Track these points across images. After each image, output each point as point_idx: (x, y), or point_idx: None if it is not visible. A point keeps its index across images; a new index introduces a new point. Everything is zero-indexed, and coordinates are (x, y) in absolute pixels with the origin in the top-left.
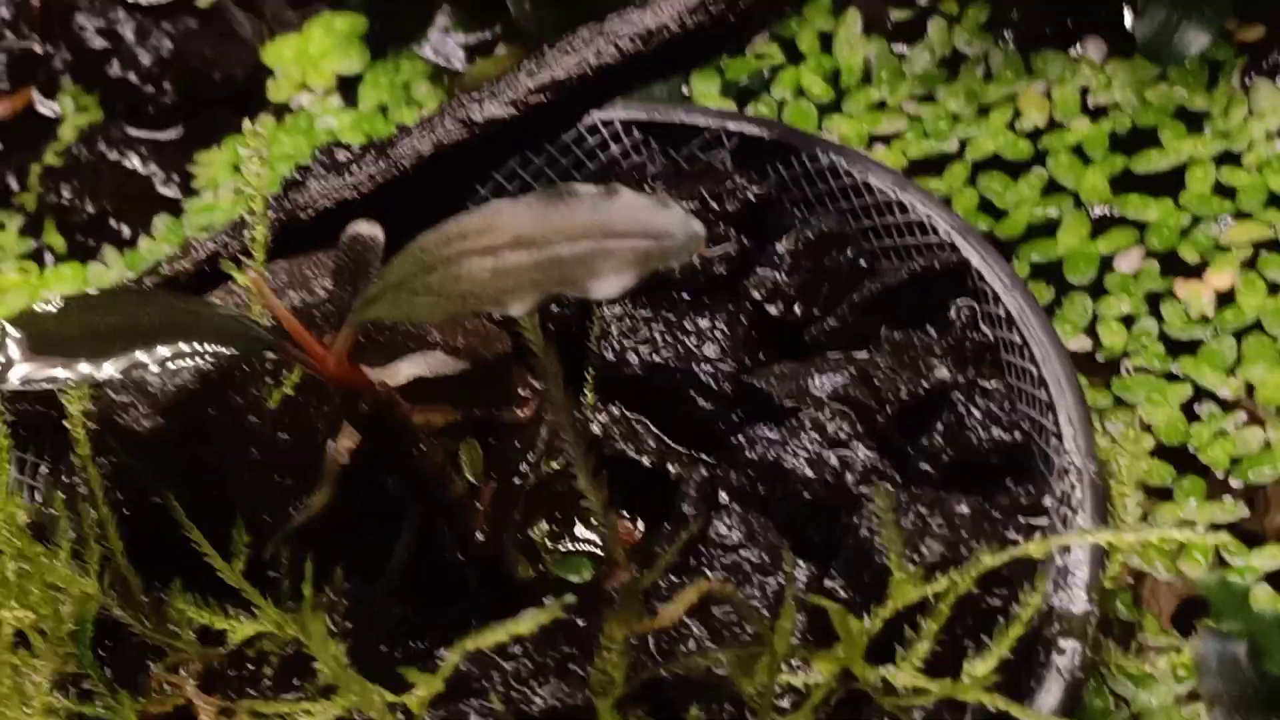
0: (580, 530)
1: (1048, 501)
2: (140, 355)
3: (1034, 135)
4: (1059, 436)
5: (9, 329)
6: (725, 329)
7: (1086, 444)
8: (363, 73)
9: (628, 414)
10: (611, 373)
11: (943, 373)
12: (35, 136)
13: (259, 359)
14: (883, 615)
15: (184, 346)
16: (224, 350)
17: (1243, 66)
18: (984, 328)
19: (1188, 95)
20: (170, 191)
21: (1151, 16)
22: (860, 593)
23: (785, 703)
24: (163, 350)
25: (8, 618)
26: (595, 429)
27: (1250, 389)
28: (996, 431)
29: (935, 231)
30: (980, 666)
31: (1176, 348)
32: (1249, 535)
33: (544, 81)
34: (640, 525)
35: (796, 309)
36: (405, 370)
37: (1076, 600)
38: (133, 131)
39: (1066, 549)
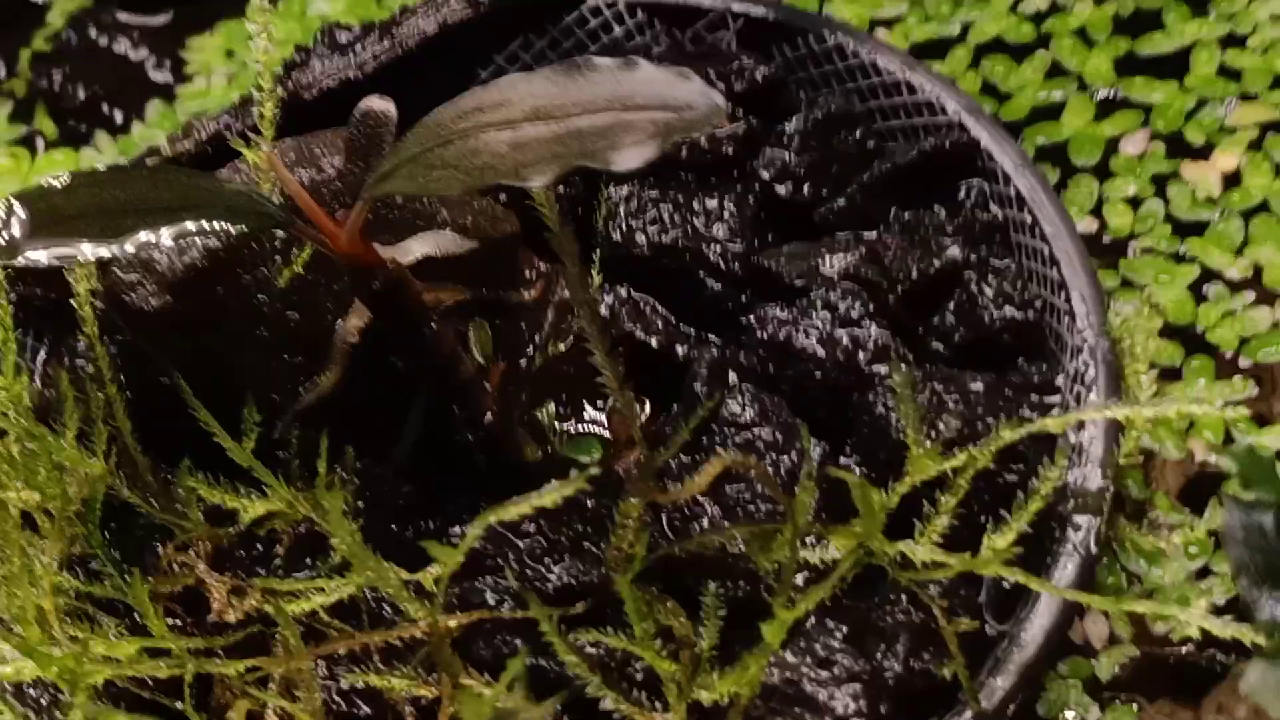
0: (588, 413)
1: (1060, 380)
2: (149, 234)
3: (1037, 19)
4: (1071, 315)
5: (15, 205)
6: (734, 209)
7: (1099, 321)
8: None
9: (635, 295)
10: (619, 253)
11: (954, 251)
12: (23, 22)
13: (268, 237)
14: (900, 490)
15: (192, 225)
16: (233, 228)
17: None
18: (994, 207)
19: None
20: (162, 77)
21: None
22: (875, 471)
23: (800, 579)
24: (174, 228)
25: (13, 499)
26: (603, 310)
27: (1258, 270)
28: (1009, 310)
29: (944, 111)
30: (999, 540)
31: (1184, 229)
32: (1258, 416)
33: None
34: (647, 408)
35: (805, 189)
36: (415, 248)
37: (1091, 476)
38: (123, 17)
39: (1081, 425)
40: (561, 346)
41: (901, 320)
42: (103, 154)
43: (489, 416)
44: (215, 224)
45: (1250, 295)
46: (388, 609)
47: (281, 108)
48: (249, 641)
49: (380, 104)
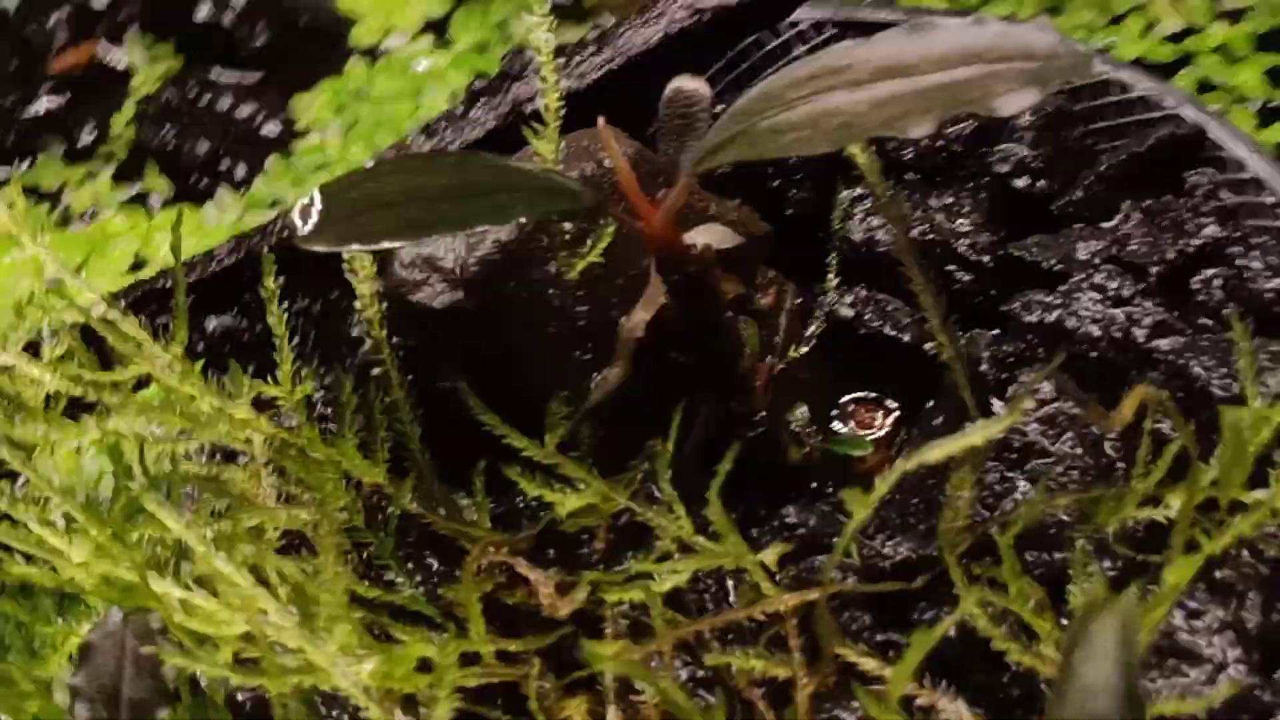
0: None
1: None
2: (465, 222)
3: (1174, 39)
4: None
5: (316, 198)
6: (971, 203)
7: None
8: (449, 15)
9: (878, 294)
10: (859, 254)
11: (1213, 229)
12: (105, 87)
13: (559, 230)
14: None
15: (516, 209)
16: (525, 219)
17: None
18: (1226, 194)
19: None
20: (272, 130)
21: None
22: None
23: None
24: (494, 212)
25: (290, 517)
26: (846, 311)
27: None
28: (1278, 282)
29: (1160, 106)
30: None
31: None
32: None
33: None
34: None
35: (1042, 183)
36: (700, 239)
37: None
38: (219, 76)
39: None
40: (796, 354)
41: (1173, 296)
42: (226, 210)
43: (761, 415)
44: (533, 206)
45: None
46: (709, 598)
47: (505, 119)
48: (566, 644)
49: (692, 83)
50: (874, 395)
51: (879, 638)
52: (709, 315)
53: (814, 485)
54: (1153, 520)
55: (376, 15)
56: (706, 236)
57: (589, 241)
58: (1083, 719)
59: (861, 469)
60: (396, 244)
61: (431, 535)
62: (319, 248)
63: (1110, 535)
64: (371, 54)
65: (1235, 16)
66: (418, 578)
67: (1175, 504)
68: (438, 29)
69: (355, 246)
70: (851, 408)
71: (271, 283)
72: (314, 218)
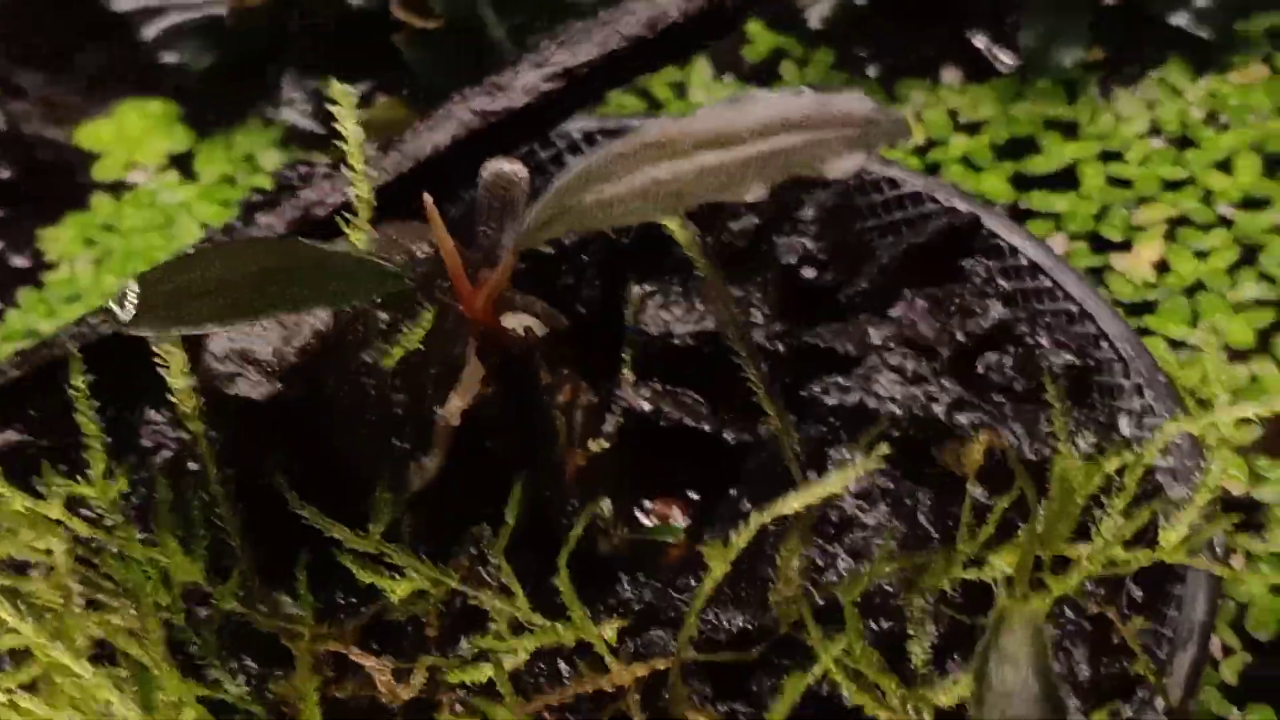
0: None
1: (1124, 420)
2: (292, 306)
3: (920, 152)
4: (1119, 358)
5: (131, 287)
6: (761, 295)
7: (1150, 360)
8: (192, 149)
9: (674, 389)
10: (654, 348)
11: (999, 310)
12: None
13: (375, 318)
14: (1086, 490)
15: (336, 292)
16: (351, 304)
17: (1098, 81)
18: (1003, 280)
19: (1052, 109)
20: (22, 264)
21: (1030, 32)
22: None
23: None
24: (321, 298)
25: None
26: (644, 405)
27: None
28: (1067, 356)
29: (934, 199)
30: (1172, 534)
31: (1136, 309)
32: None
33: (557, 70)
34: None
35: (828, 273)
36: (515, 322)
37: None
38: None
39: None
40: (594, 448)
41: (965, 375)
42: None
43: (572, 504)
44: (361, 287)
45: (1222, 356)
46: (544, 680)
47: (293, 224)
48: None
49: (510, 165)
50: (672, 490)
51: (721, 709)
52: (528, 401)
53: (625, 574)
54: (967, 585)
55: (117, 151)
56: (521, 322)
57: (404, 330)
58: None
59: (669, 559)
60: (221, 328)
61: (252, 634)
62: (143, 334)
63: (933, 601)
64: (115, 189)
65: (973, 129)
66: (240, 678)
67: (999, 564)
68: (181, 164)
69: (179, 330)
70: (650, 502)
71: (80, 381)
72: (131, 307)
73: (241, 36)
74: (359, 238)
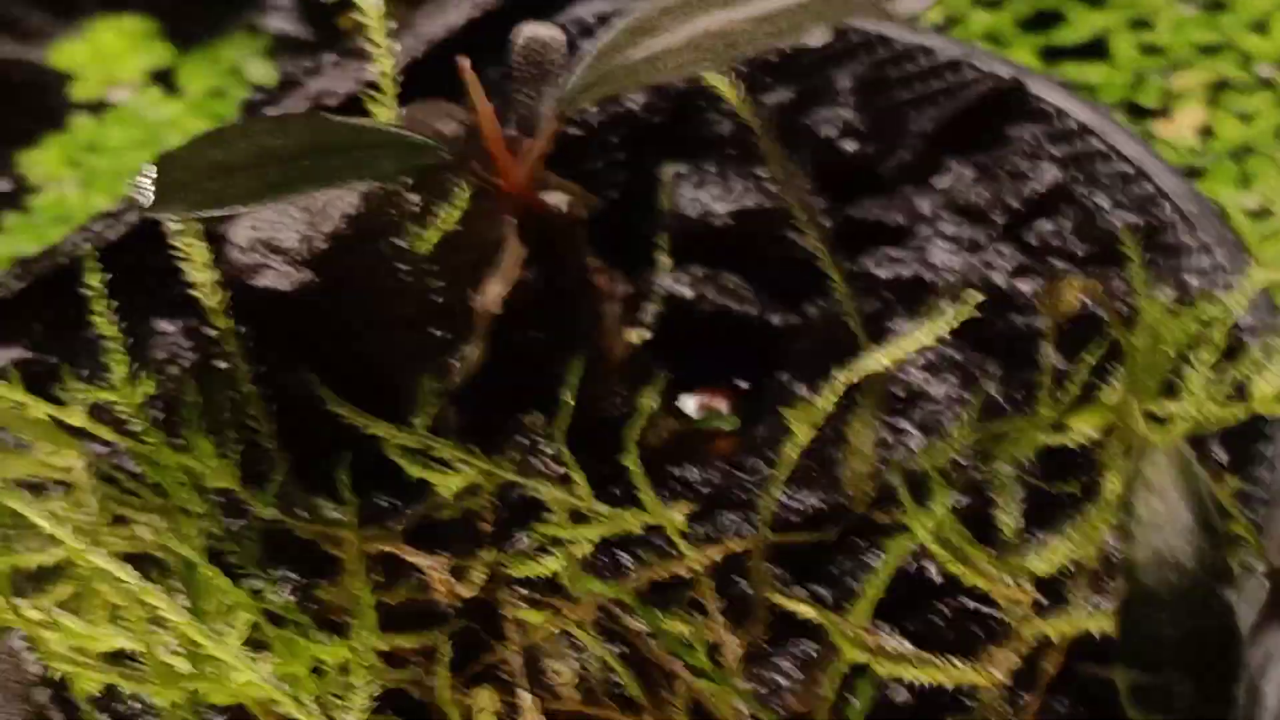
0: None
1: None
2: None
3: (940, 30)
4: (1183, 217)
5: (150, 170)
6: (801, 172)
7: (1217, 214)
8: (174, 65)
9: (714, 272)
10: (693, 230)
11: (1054, 173)
12: None
13: (408, 200)
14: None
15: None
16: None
17: None
18: (1053, 144)
19: None
20: (3, 186)
21: None
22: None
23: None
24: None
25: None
26: (685, 291)
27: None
28: (1129, 216)
29: (973, 66)
30: (1265, 388)
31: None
32: None
33: None
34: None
35: (870, 145)
36: (556, 199)
37: None
38: None
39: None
40: (634, 338)
41: (1023, 239)
42: None
43: (620, 395)
44: (397, 160)
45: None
46: (606, 573)
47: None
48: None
49: (547, 29)
50: (717, 380)
51: (802, 592)
52: (572, 286)
53: (674, 466)
54: (1044, 456)
55: (94, 70)
56: (563, 199)
57: (438, 212)
58: (1155, 554)
59: (715, 451)
60: (255, 207)
61: (293, 542)
62: (170, 217)
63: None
64: (95, 108)
65: (994, 4)
66: (285, 587)
67: (1083, 428)
68: (164, 79)
69: (213, 211)
70: (695, 393)
71: (96, 279)
72: (155, 188)
73: None
74: (388, 114)
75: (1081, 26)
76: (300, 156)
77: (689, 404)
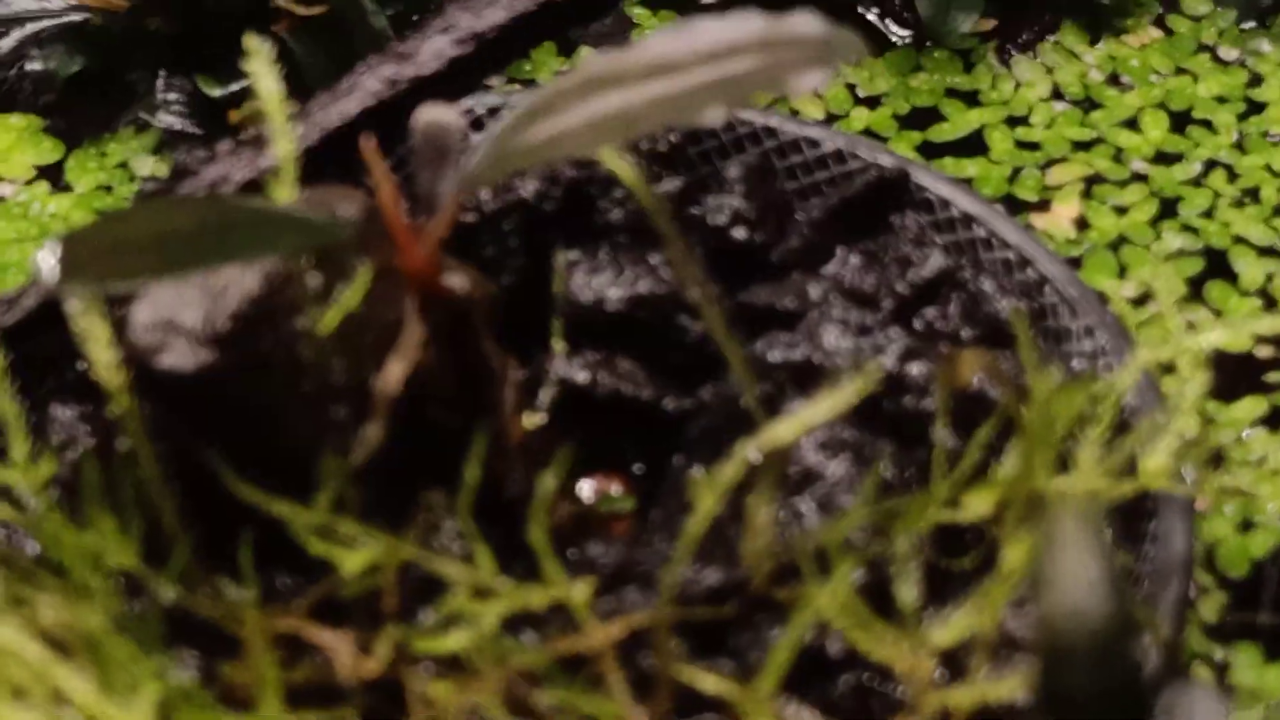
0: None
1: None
2: (227, 258)
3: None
4: (1064, 301)
5: (53, 248)
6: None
7: (1099, 298)
8: (62, 162)
9: (610, 356)
10: (587, 316)
11: (938, 259)
12: None
13: (308, 281)
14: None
15: (271, 240)
16: (271, 264)
17: (994, 49)
18: (938, 232)
19: (952, 78)
20: None
21: (925, 2)
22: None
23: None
24: (255, 249)
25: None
26: (579, 375)
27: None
28: (1013, 302)
29: (857, 156)
30: (1151, 463)
31: None
32: None
33: (464, 34)
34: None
35: (759, 233)
36: (455, 281)
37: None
38: None
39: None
40: (528, 424)
41: (909, 324)
42: None
43: (517, 477)
44: (297, 237)
45: (1153, 306)
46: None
47: None
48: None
49: (445, 113)
50: (612, 465)
51: (702, 665)
52: (471, 366)
53: (572, 549)
54: (936, 534)
55: None
56: (461, 281)
57: (338, 292)
58: (1068, 610)
59: (614, 532)
60: (157, 282)
61: (195, 623)
62: (74, 292)
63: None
64: None
65: (873, 103)
66: (189, 665)
67: (976, 505)
68: (51, 175)
69: (115, 285)
70: (590, 478)
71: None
72: (58, 266)
73: (107, 39)
74: (286, 196)
75: (958, 123)
76: (201, 234)
77: (585, 488)
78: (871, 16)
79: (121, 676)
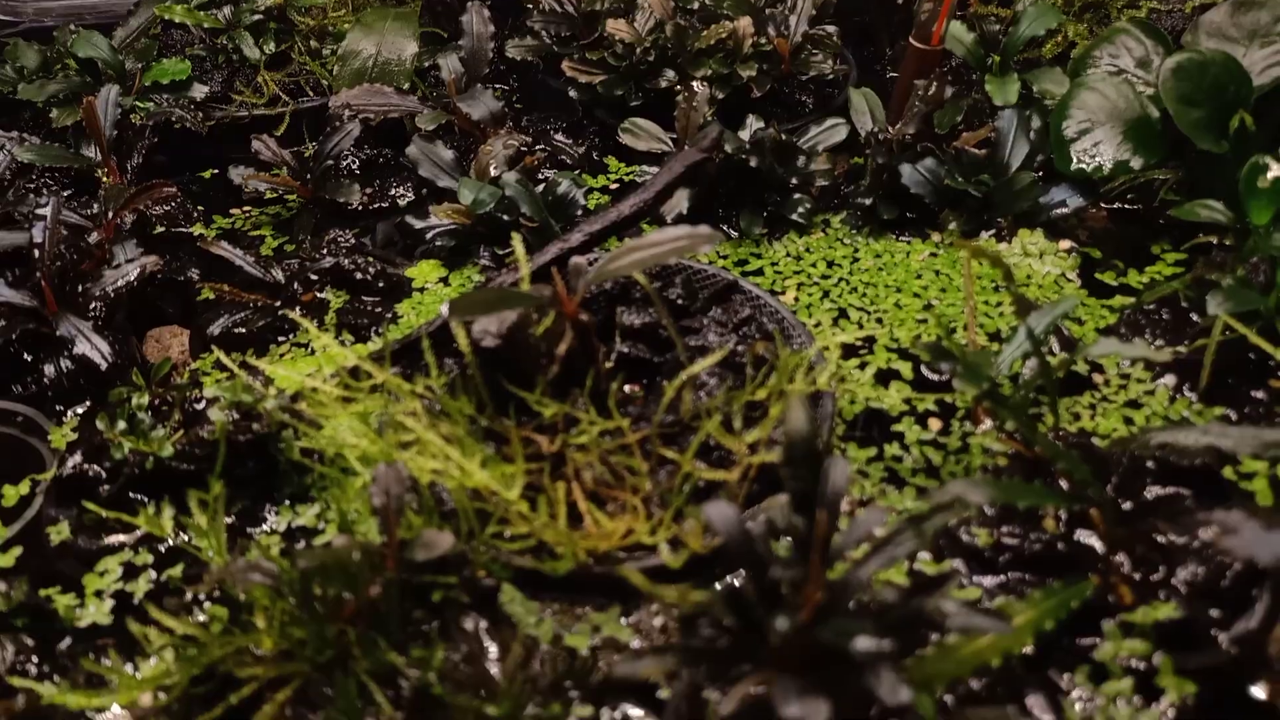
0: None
1: (793, 345)
2: (502, 312)
3: (708, 264)
4: (796, 325)
5: (445, 305)
6: (652, 315)
7: (810, 336)
8: (448, 275)
9: (637, 343)
10: (626, 330)
11: (748, 311)
12: None
13: (531, 315)
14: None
15: (519, 306)
16: (523, 308)
17: (767, 238)
18: (748, 303)
19: (751, 249)
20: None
21: (744, 220)
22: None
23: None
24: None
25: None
26: (624, 349)
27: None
28: (773, 325)
29: (716, 275)
30: (822, 377)
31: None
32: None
33: (588, 232)
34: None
35: (686, 300)
36: (585, 317)
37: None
38: None
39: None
40: (607, 364)
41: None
42: None
43: (606, 382)
44: (527, 302)
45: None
46: (604, 438)
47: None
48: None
49: (580, 259)
50: (633, 378)
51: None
52: (588, 346)
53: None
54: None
55: (424, 277)
56: (585, 316)
57: (542, 320)
58: (793, 433)
59: (635, 404)
60: (480, 317)
61: (493, 433)
62: (453, 320)
63: (736, 407)
64: (421, 289)
65: (724, 257)
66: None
67: (760, 394)
68: (444, 280)
69: (472, 315)
70: (628, 383)
71: (427, 345)
72: (450, 309)
73: (465, 234)
74: (525, 287)
75: (754, 263)
76: (496, 300)
77: (626, 389)
78: (725, 227)
79: (470, 450)
